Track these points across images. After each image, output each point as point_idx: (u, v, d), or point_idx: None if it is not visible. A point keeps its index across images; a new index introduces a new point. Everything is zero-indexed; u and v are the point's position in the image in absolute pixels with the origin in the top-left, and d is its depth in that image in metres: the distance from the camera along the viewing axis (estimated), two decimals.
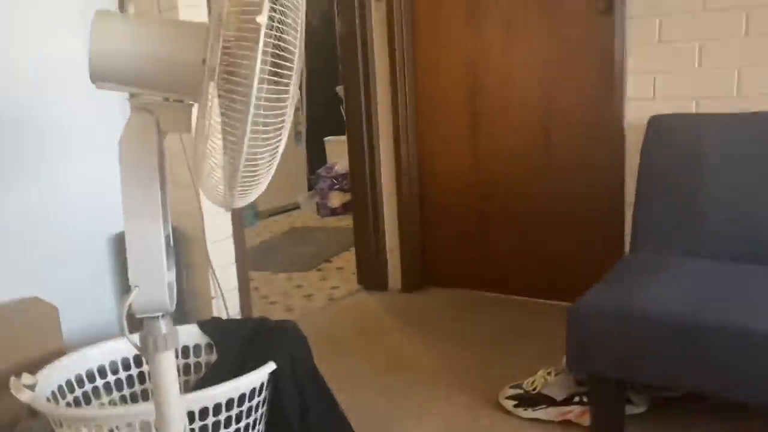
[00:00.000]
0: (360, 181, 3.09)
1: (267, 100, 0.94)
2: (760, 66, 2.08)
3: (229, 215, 2.29)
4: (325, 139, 5.49)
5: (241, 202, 1.05)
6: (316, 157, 5.59)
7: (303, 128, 5.55)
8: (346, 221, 4.27)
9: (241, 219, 2.33)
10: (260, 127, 0.93)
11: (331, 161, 5.26)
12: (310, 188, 5.53)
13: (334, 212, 4.97)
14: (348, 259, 3.63)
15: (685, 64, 2.20)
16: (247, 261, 2.38)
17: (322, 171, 5.13)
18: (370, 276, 3.15)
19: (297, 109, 4.47)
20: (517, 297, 2.86)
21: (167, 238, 1.13)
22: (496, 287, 2.92)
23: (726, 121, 2.05)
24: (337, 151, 5.18)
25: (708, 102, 2.17)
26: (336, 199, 4.98)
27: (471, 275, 2.98)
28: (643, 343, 1.52)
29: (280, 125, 0.95)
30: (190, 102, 1.05)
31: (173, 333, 1.13)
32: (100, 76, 1.00)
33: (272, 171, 1.01)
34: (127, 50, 1.00)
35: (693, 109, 2.20)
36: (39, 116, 1.96)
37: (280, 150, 1.00)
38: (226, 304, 2.23)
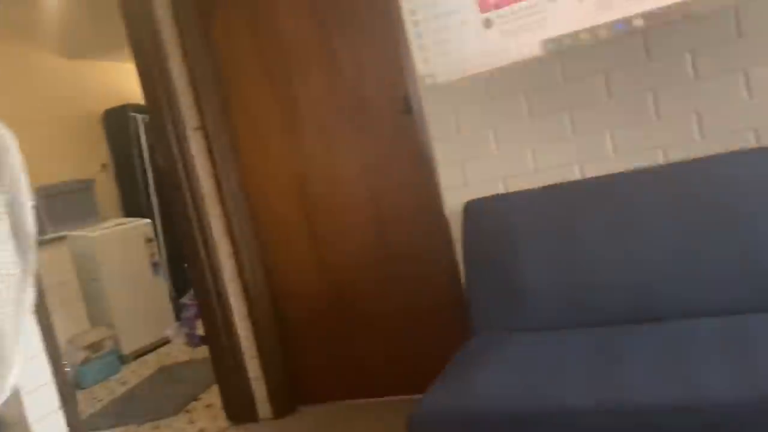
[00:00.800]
0: (209, 313, 2.97)
1: None
2: (547, 142, 2.23)
3: (52, 384, 2.09)
4: (185, 265, 5.30)
5: None
6: (182, 285, 5.36)
7: (161, 258, 5.35)
8: None
9: (67, 385, 2.14)
10: None
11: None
12: (178, 318, 5.27)
13: (204, 340, 4.74)
14: (217, 392, 3.43)
15: (484, 150, 2.32)
16: (83, 430, 2.17)
17: (186, 299, 4.91)
18: (238, 409, 2.98)
19: (151, 240, 4.22)
20: (387, 398, 2.80)
21: None
22: (366, 392, 2.84)
23: (529, 197, 2.18)
24: None
25: (513, 180, 2.29)
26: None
27: (339, 385, 2.89)
28: None
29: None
30: None
31: None
32: None
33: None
34: None
35: (502, 190, 2.31)
36: None
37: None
38: None
